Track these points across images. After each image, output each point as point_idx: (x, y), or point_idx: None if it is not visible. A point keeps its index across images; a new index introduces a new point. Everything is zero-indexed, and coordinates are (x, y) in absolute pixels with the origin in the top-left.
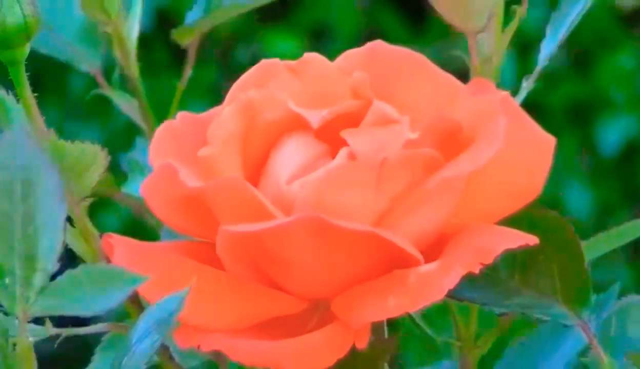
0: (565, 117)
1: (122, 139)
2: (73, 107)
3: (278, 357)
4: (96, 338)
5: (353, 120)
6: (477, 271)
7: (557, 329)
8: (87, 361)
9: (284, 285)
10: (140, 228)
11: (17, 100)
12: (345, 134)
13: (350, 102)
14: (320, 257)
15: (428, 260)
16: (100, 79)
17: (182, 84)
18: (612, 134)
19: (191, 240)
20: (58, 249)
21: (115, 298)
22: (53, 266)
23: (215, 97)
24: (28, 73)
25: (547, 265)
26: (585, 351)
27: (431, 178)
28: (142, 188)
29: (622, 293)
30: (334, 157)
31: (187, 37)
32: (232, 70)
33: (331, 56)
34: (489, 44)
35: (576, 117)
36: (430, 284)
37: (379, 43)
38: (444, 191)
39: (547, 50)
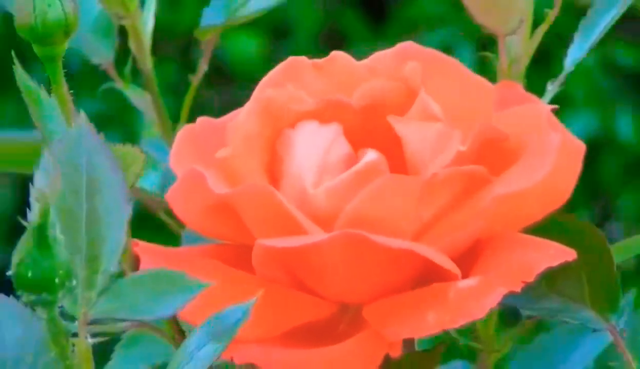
0: None
1: None
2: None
3: (311, 367)
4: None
5: (392, 107)
6: (518, 289)
7: (574, 333)
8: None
9: (315, 289)
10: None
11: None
12: (394, 121)
13: (391, 84)
14: (356, 267)
15: (461, 265)
16: (112, 72)
17: (196, 80)
18: (571, 131)
19: (215, 243)
20: (120, 250)
21: (176, 304)
22: (115, 267)
23: (175, 95)
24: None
25: (576, 269)
26: (604, 354)
27: (483, 195)
28: (167, 195)
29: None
30: (367, 143)
31: (207, 34)
32: (192, 68)
33: (291, 55)
34: (517, 46)
35: None
36: (471, 302)
37: (409, 44)
38: (495, 208)
39: (574, 56)
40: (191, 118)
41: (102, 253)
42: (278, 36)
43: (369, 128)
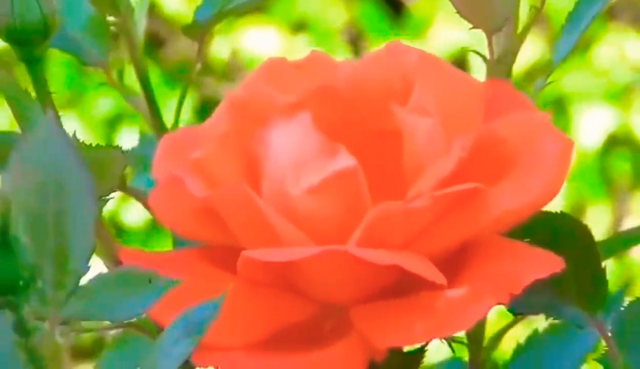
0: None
1: (101, 132)
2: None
3: None
4: None
5: (386, 95)
6: (506, 302)
7: (566, 330)
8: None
9: (301, 290)
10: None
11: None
12: (397, 111)
13: (386, 73)
14: (343, 275)
15: (445, 266)
16: (106, 74)
17: (189, 79)
18: (590, 128)
19: (202, 246)
20: (90, 250)
21: (146, 302)
22: (84, 268)
23: (192, 91)
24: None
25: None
26: (595, 351)
27: (483, 209)
28: (150, 201)
29: None
30: (330, 136)
31: (197, 32)
32: (210, 65)
33: (310, 49)
34: (505, 42)
35: (555, 110)
36: (458, 313)
37: (397, 43)
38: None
39: (562, 50)
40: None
41: (71, 254)
42: (296, 31)
43: (354, 118)
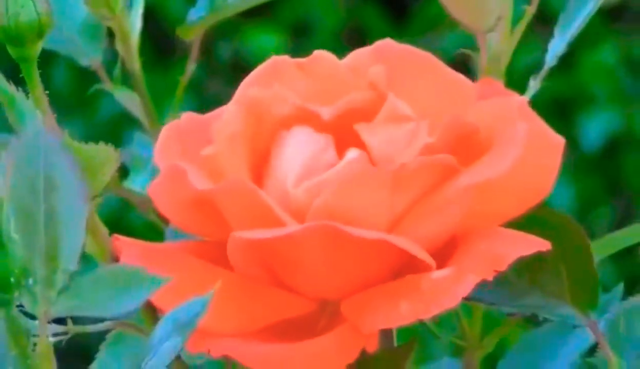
0: (547, 113)
1: (106, 134)
2: (55, 101)
3: (289, 362)
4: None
5: (364, 114)
6: (490, 278)
7: (561, 330)
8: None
9: (293, 285)
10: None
11: (27, 97)
12: (360, 129)
13: (362, 93)
14: (332, 261)
15: (438, 261)
16: (101, 74)
17: (185, 79)
18: (593, 129)
19: (197, 240)
20: (80, 248)
21: (136, 300)
22: (74, 266)
23: (197, 93)
24: (7, 66)
25: (556, 265)
26: (589, 351)
27: (451, 185)
28: (149, 189)
29: (606, 289)
30: (339, 152)
31: (191, 33)
32: (214, 67)
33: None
34: (498, 43)
35: (558, 112)
36: (443, 291)
37: (387, 42)
38: (463, 198)
39: (555, 49)
40: None
41: (61, 252)
42: (299, 34)
43: (341, 135)
